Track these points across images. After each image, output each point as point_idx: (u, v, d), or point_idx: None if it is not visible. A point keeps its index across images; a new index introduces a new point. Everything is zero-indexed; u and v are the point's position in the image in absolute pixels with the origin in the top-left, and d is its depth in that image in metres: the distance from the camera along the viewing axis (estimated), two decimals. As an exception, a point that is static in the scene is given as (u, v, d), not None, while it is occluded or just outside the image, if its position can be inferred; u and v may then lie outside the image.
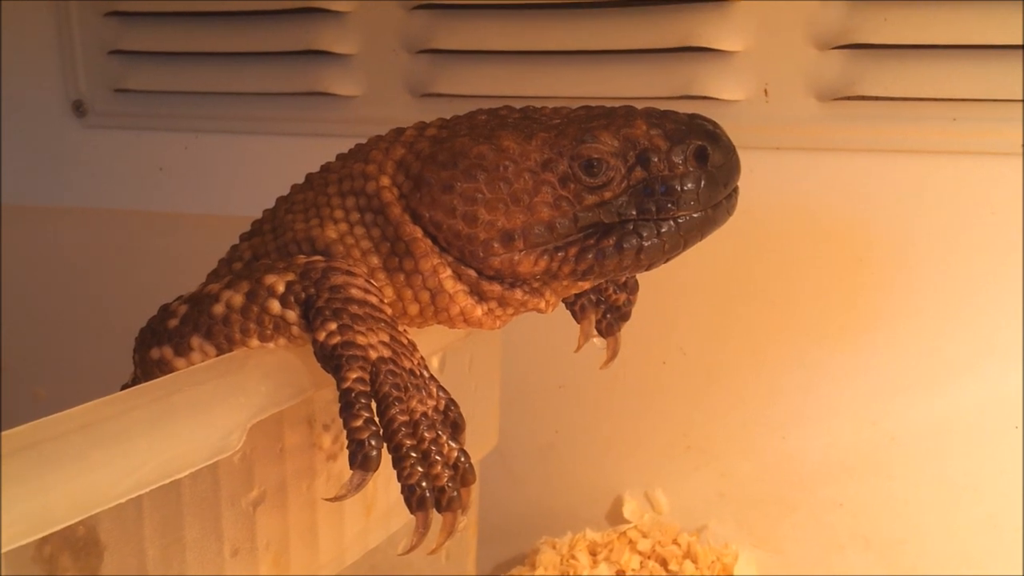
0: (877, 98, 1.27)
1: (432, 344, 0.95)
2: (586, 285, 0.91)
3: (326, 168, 0.93)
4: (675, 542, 1.45)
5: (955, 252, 1.29)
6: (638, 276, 1.07)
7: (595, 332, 1.06)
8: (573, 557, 1.46)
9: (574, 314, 1.05)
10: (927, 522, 1.36)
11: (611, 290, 1.06)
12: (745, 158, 1.34)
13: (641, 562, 1.44)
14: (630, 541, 1.47)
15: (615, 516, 1.53)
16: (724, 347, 1.43)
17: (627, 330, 1.45)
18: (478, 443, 1.17)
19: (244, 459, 0.79)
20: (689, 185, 0.84)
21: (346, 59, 1.56)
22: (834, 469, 1.40)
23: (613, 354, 1.07)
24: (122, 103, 1.74)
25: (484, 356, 1.14)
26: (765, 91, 1.32)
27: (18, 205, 1.75)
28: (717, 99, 1.33)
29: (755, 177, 1.33)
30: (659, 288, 1.41)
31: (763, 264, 1.38)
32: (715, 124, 0.87)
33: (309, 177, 0.93)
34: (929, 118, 1.26)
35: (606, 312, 1.05)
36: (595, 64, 1.40)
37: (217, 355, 0.78)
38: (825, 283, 1.36)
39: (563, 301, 1.04)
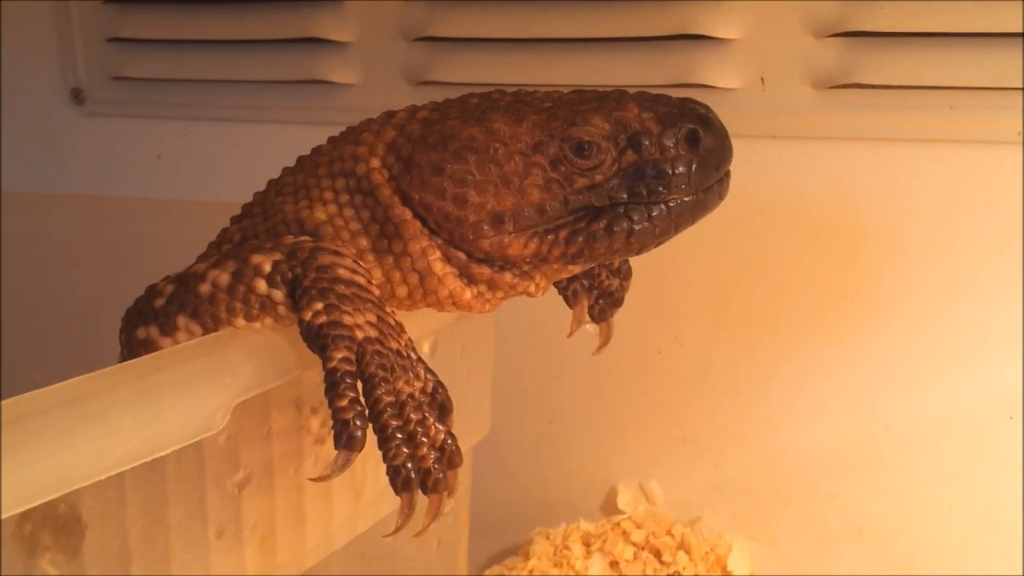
0: (874, 86, 1.26)
1: (423, 327, 0.95)
2: (576, 269, 0.90)
3: (317, 151, 0.92)
4: (669, 533, 1.45)
5: (951, 241, 1.29)
6: (632, 262, 1.06)
7: (588, 318, 1.05)
8: (567, 548, 1.45)
9: (566, 299, 1.04)
10: (921, 514, 1.36)
11: (604, 276, 1.05)
12: (741, 147, 1.33)
13: (635, 553, 1.44)
14: (624, 532, 1.46)
15: (610, 507, 1.53)
16: (719, 337, 1.43)
17: (622, 320, 1.44)
18: (470, 430, 1.16)
19: (229, 440, 0.78)
20: (680, 169, 0.83)
21: (343, 47, 1.56)
22: (828, 461, 1.40)
23: (606, 340, 1.07)
24: (120, 91, 1.74)
25: (476, 343, 1.14)
26: (762, 79, 1.32)
27: (17, 192, 1.75)
28: (714, 87, 1.33)
29: (751, 166, 1.33)
30: (655, 277, 1.41)
31: (758, 253, 1.38)
32: (707, 108, 0.86)
33: (300, 160, 0.93)
34: (926, 106, 1.25)
35: (599, 298, 1.05)
36: (592, 52, 1.39)
37: (203, 334, 0.78)
38: (821, 273, 1.35)
39: (555, 287, 1.04)
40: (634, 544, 1.44)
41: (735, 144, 1.33)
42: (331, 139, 0.93)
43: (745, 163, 1.32)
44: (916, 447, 1.35)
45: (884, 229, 1.31)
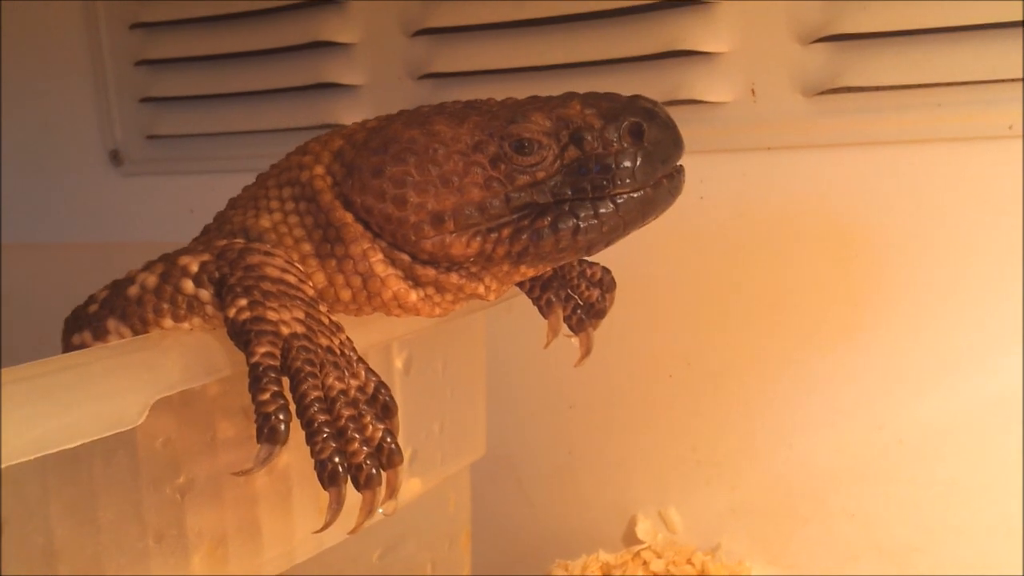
0: (862, 89, 1.24)
1: (387, 333, 0.94)
2: (529, 271, 0.89)
3: (272, 165, 0.94)
4: (689, 562, 1.41)
5: (953, 241, 1.25)
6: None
7: (565, 328, 1.03)
8: (586, 579, 1.42)
9: (540, 309, 1.03)
10: (940, 527, 1.30)
11: (583, 287, 1.04)
12: (737, 160, 1.32)
13: (655, 583, 1.41)
14: (644, 562, 1.43)
15: (630, 537, 1.49)
16: (726, 355, 1.40)
17: (631, 344, 1.43)
18: (461, 451, 1.15)
19: (167, 445, 0.78)
20: (625, 163, 0.82)
21: (355, 90, 1.58)
22: (844, 476, 1.35)
23: (586, 351, 1.04)
24: (154, 149, 1.79)
25: (462, 360, 1.13)
26: (752, 91, 1.30)
27: (62, 243, 1.81)
28: (705, 102, 1.31)
29: (748, 180, 1.31)
30: (659, 300, 1.39)
31: (761, 268, 1.35)
32: (654, 103, 0.85)
33: (258, 176, 0.95)
34: (914, 106, 1.22)
35: (576, 308, 1.03)
36: (585, 75, 1.39)
37: (133, 336, 0.78)
38: (824, 284, 1.32)
39: (530, 297, 1.02)
40: (654, 574, 1.41)
41: (729, 158, 1.32)
42: (288, 154, 0.94)
43: (742, 177, 1.31)
44: (931, 457, 1.30)
45: (885, 233, 1.27)
